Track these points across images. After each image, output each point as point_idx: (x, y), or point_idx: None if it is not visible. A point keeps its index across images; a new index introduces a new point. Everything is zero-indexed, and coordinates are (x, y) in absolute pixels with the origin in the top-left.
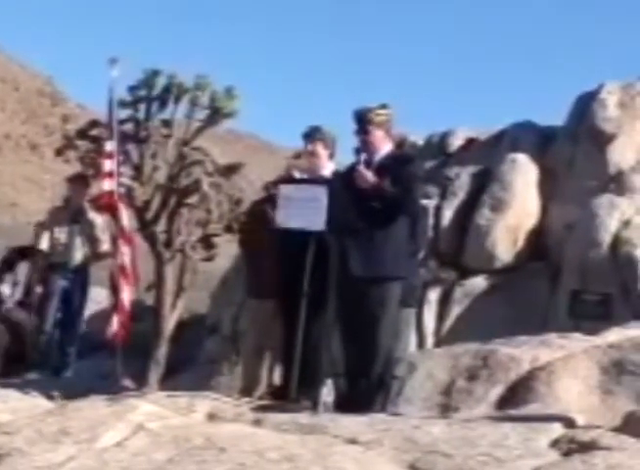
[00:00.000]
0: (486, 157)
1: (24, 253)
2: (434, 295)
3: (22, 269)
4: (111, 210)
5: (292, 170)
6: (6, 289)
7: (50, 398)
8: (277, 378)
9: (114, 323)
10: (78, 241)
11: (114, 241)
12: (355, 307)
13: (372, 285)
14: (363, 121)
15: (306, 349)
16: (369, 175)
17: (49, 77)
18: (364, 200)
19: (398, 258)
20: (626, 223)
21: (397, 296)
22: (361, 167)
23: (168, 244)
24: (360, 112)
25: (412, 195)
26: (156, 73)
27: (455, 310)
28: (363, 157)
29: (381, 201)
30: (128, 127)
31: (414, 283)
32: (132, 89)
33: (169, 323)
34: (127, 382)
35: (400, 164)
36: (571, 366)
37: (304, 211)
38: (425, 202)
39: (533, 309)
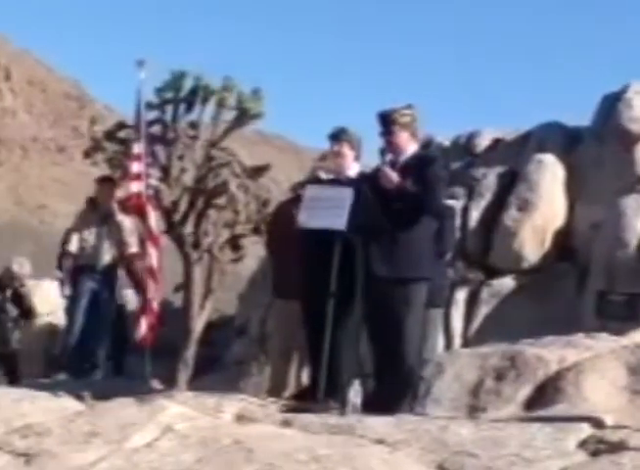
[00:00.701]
0: (513, 157)
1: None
2: (461, 295)
3: None
4: (138, 211)
5: (317, 171)
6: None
7: (79, 399)
8: (305, 379)
9: (143, 325)
10: (107, 243)
11: (141, 243)
12: (380, 308)
13: (396, 286)
14: (388, 122)
15: (334, 350)
16: (393, 176)
17: (76, 80)
18: (388, 200)
19: (422, 259)
20: None
21: (422, 296)
22: (386, 168)
23: (196, 245)
24: (385, 113)
25: (434, 195)
26: (182, 75)
27: (482, 311)
28: (388, 158)
29: (403, 201)
30: (156, 129)
31: (441, 283)
32: (159, 91)
33: (198, 324)
34: (156, 383)
35: (424, 164)
36: (598, 367)
37: (327, 212)
38: (451, 202)
39: (561, 310)
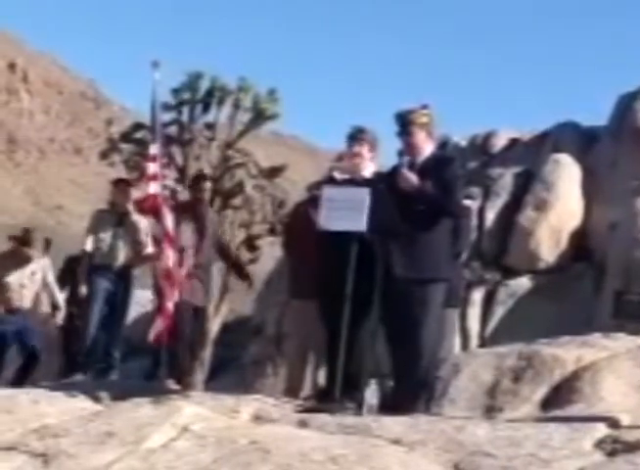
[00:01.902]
0: (529, 157)
1: (187, 206)
2: (477, 295)
3: (187, 232)
4: (155, 212)
5: (333, 172)
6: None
7: (96, 400)
8: (321, 379)
9: (158, 326)
10: (122, 243)
11: (157, 244)
12: (398, 309)
13: (415, 286)
14: (406, 123)
15: (350, 350)
16: (413, 178)
17: (91, 80)
18: (407, 202)
19: (441, 260)
20: None
21: (440, 297)
22: (405, 170)
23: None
24: (403, 113)
25: (454, 196)
26: (199, 76)
27: (499, 311)
28: (406, 159)
29: (424, 203)
30: (172, 130)
31: (457, 284)
32: (176, 92)
33: (214, 325)
34: (172, 384)
35: (442, 165)
36: (615, 366)
37: (346, 213)
38: (468, 202)
39: (577, 310)
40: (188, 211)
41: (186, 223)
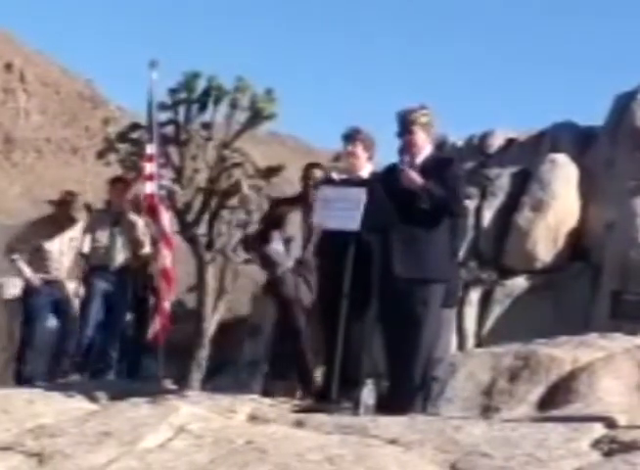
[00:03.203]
0: (526, 157)
1: (294, 200)
2: (474, 295)
3: (294, 221)
4: (151, 212)
5: (330, 172)
6: (278, 246)
7: (92, 399)
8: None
9: (156, 325)
10: (119, 243)
11: (154, 243)
12: (397, 308)
13: (416, 286)
14: (408, 122)
15: (348, 350)
16: (417, 178)
17: (89, 80)
18: (406, 201)
19: (442, 260)
20: None
21: (440, 297)
22: (408, 169)
23: (209, 246)
24: (405, 112)
25: (458, 196)
26: (195, 76)
27: (496, 311)
28: (406, 159)
29: (429, 202)
30: (169, 130)
31: (454, 283)
32: (172, 92)
33: (211, 325)
34: (168, 384)
35: (443, 165)
36: (611, 366)
37: (340, 213)
38: (465, 202)
39: (574, 310)
40: (298, 201)
41: (295, 213)
